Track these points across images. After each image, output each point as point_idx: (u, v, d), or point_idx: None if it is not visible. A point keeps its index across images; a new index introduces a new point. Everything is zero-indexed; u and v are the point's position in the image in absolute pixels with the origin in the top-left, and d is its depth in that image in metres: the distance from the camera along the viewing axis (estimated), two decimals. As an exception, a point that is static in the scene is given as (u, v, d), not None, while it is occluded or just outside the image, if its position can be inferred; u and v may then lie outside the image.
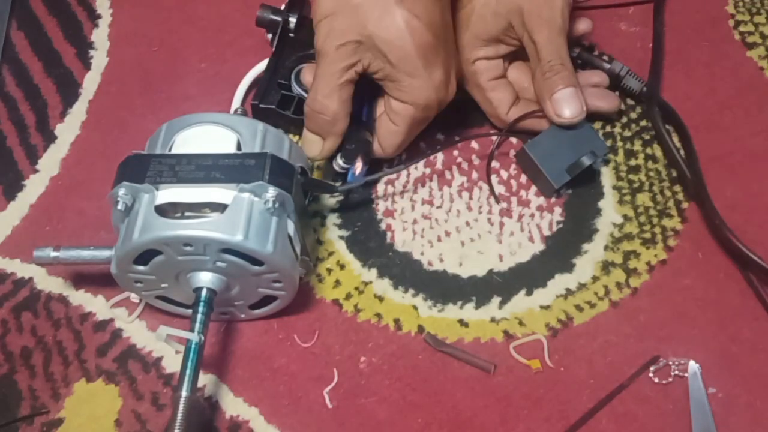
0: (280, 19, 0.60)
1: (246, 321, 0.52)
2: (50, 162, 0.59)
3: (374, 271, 0.54)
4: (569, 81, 0.53)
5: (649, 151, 0.58)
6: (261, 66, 0.60)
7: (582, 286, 0.53)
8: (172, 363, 0.51)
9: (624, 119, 0.59)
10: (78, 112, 0.62)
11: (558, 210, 0.56)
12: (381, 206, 0.56)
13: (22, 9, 0.67)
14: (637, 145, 0.58)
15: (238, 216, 0.45)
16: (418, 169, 0.58)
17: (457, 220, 0.56)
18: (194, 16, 0.67)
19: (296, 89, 0.57)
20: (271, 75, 0.58)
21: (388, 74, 0.50)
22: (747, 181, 0.56)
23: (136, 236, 0.45)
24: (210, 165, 0.46)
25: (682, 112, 0.59)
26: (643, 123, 0.59)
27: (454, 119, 0.59)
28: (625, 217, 0.55)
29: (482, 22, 0.55)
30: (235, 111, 0.55)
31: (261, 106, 0.58)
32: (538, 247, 0.54)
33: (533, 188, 0.56)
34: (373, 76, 0.51)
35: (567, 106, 0.53)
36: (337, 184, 0.55)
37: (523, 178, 0.57)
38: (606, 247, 0.54)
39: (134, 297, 0.53)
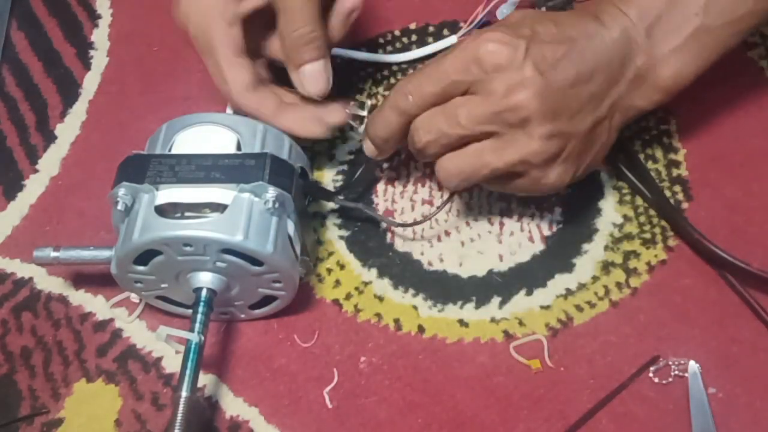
0: None
1: (246, 321, 0.52)
2: (50, 162, 0.59)
3: (374, 271, 0.54)
4: (319, 53, 0.49)
5: (649, 151, 0.58)
6: None
7: (582, 286, 0.53)
8: (172, 363, 0.51)
9: (624, 119, 0.59)
10: (78, 112, 0.62)
11: (558, 210, 0.56)
12: (381, 206, 0.56)
13: (22, 9, 0.67)
14: (637, 145, 0.58)
15: (238, 216, 0.45)
16: (418, 168, 0.58)
17: (457, 220, 0.56)
18: (194, 16, 0.66)
19: None
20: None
21: None
22: (747, 181, 0.56)
23: (136, 236, 0.45)
24: (210, 165, 0.46)
25: (681, 112, 0.59)
26: (643, 123, 0.59)
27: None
28: (625, 217, 0.55)
29: None
30: (235, 111, 0.55)
31: None
32: (538, 247, 0.54)
33: (533, 188, 0.56)
34: None
35: (314, 83, 0.50)
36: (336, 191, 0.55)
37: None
38: (606, 247, 0.54)
39: (134, 297, 0.53)
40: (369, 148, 0.52)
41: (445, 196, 0.56)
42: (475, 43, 0.45)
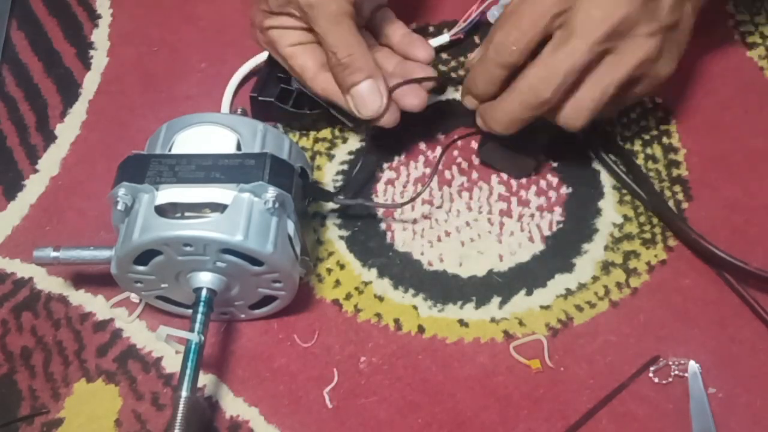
0: None
1: (246, 321, 0.52)
2: (50, 162, 0.59)
3: (374, 271, 0.54)
4: (364, 73, 0.50)
5: (649, 151, 0.58)
6: (249, 65, 0.61)
7: (582, 286, 0.53)
8: (172, 363, 0.51)
9: (624, 119, 0.59)
10: (78, 112, 0.62)
11: (558, 210, 0.56)
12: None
13: (22, 9, 0.67)
14: (637, 145, 0.58)
15: (238, 216, 0.45)
16: (417, 169, 0.58)
17: (457, 220, 0.56)
18: (194, 16, 0.67)
19: (295, 83, 0.57)
20: (270, 68, 0.58)
21: None
22: (747, 181, 0.56)
23: (136, 236, 0.45)
24: (210, 165, 0.46)
25: (681, 112, 0.59)
26: (643, 123, 0.59)
27: (453, 119, 0.59)
28: (625, 217, 0.55)
29: None
30: (235, 111, 0.55)
31: (260, 98, 0.58)
32: (538, 247, 0.54)
33: (533, 188, 0.56)
34: None
35: (364, 105, 0.50)
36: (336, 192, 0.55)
37: (523, 178, 0.57)
38: (606, 247, 0.54)
39: (134, 297, 0.53)
40: (470, 102, 0.52)
41: (446, 195, 0.56)
42: None
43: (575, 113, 0.49)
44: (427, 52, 0.55)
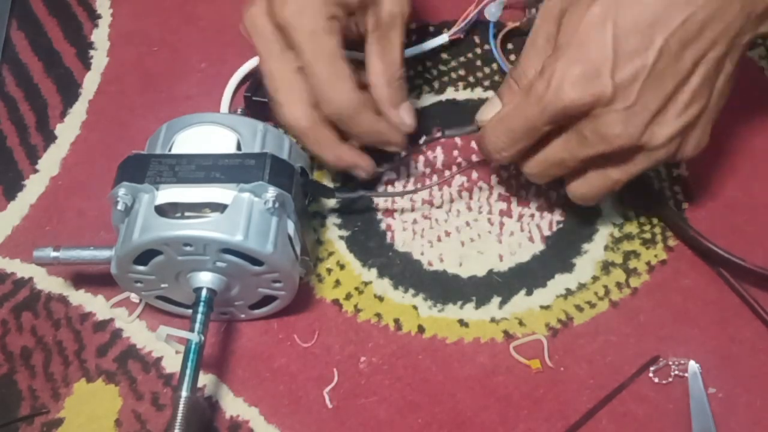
0: None
1: (246, 321, 0.52)
2: (50, 162, 0.59)
3: (374, 271, 0.54)
4: (407, 92, 0.53)
5: (649, 151, 0.57)
6: (249, 65, 0.61)
7: (582, 286, 0.53)
8: (172, 363, 0.51)
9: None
10: (78, 112, 0.62)
11: (558, 210, 0.56)
12: (381, 206, 0.56)
13: (22, 9, 0.67)
14: (637, 145, 0.58)
15: (238, 216, 0.45)
16: (418, 168, 0.58)
17: (457, 220, 0.56)
18: (194, 16, 0.67)
19: None
20: None
21: None
22: (747, 181, 0.56)
23: (136, 236, 0.45)
24: (210, 165, 0.46)
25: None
26: (643, 123, 0.59)
27: (453, 119, 0.59)
28: (625, 217, 0.55)
29: None
30: (235, 111, 0.55)
31: (254, 98, 0.58)
32: (538, 247, 0.54)
33: (533, 188, 0.56)
34: None
35: (412, 117, 0.53)
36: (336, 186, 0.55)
37: (523, 178, 0.57)
38: (606, 247, 0.54)
39: (134, 297, 0.53)
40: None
41: (446, 195, 0.56)
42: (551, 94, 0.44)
43: (584, 199, 0.50)
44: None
